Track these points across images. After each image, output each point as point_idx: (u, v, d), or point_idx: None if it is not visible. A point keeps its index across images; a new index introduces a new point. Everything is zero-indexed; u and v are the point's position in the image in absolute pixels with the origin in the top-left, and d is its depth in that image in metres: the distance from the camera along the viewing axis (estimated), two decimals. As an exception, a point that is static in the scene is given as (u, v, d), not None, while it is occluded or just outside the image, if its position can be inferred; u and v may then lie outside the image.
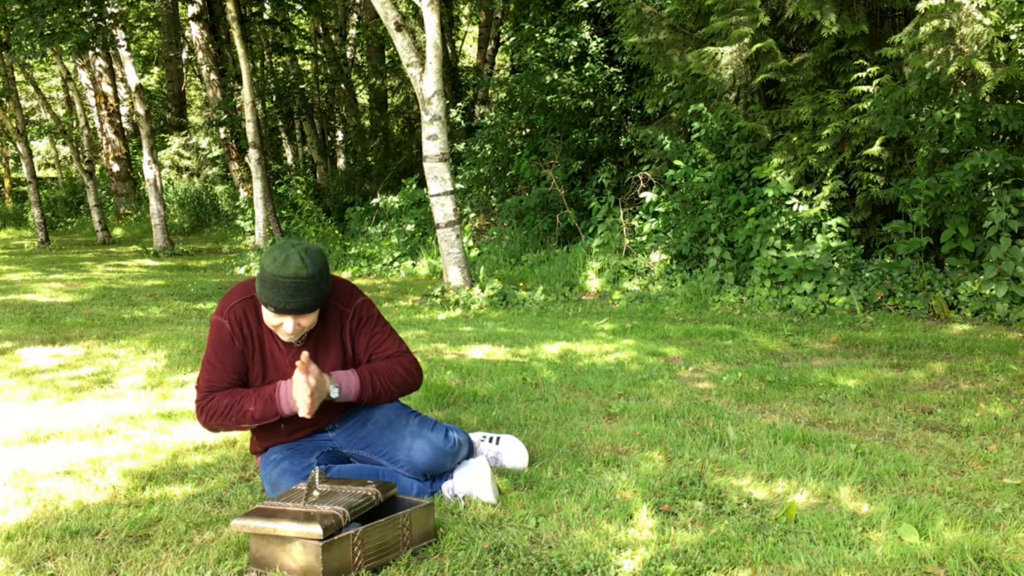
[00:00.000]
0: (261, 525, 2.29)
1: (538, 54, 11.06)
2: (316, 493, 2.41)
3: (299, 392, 2.61)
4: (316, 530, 2.21)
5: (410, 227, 11.44)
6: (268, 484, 2.75)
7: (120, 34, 13.42)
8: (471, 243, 10.62)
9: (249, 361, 2.79)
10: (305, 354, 2.58)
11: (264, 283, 2.58)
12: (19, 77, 17.86)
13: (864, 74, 7.27)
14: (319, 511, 2.30)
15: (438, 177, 7.87)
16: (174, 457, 3.28)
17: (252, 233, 13.51)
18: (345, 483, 2.51)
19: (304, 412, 2.62)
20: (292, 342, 2.76)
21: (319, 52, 19.20)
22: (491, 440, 3.12)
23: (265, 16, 16.29)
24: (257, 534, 2.31)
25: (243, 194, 15.37)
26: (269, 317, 2.65)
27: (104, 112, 17.71)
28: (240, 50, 11.97)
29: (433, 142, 7.82)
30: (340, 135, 19.32)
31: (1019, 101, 6.94)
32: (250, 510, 2.47)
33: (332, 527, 2.24)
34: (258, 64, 17.81)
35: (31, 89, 18.90)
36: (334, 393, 2.66)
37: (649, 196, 8.58)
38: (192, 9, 15.32)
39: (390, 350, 2.83)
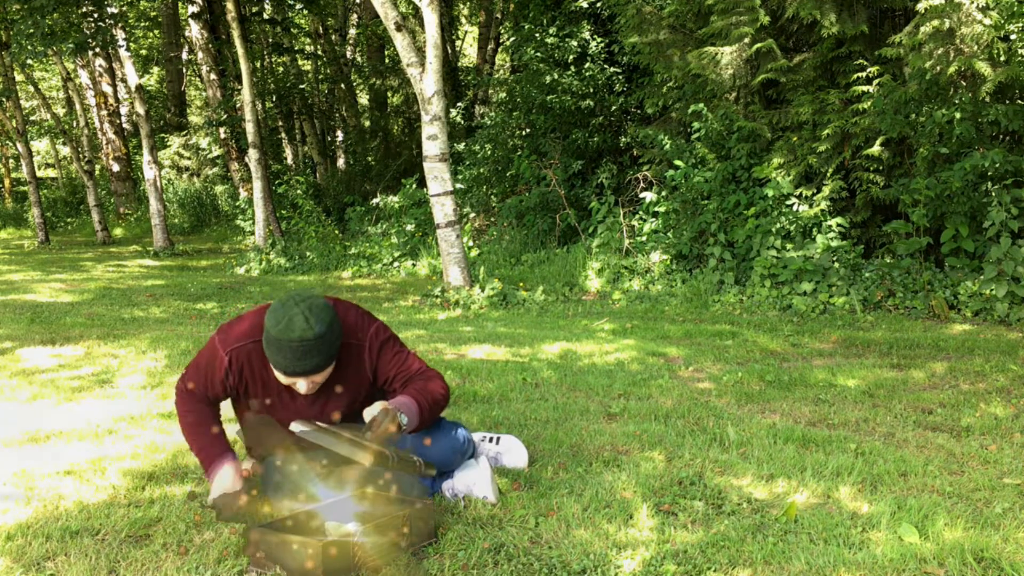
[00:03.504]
0: (319, 436, 2.35)
1: (538, 54, 11.05)
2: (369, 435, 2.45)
3: (221, 488, 2.62)
4: (366, 457, 2.29)
5: (410, 227, 11.44)
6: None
7: (120, 34, 13.42)
8: (471, 243, 10.62)
9: (249, 397, 2.73)
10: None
11: (269, 345, 2.47)
12: (19, 77, 17.86)
13: (864, 74, 7.27)
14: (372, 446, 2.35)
15: (438, 177, 7.87)
16: (174, 457, 3.28)
17: (252, 233, 13.50)
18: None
19: (213, 496, 2.63)
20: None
21: (319, 52, 19.20)
22: (491, 440, 3.12)
23: (265, 16, 16.28)
24: (257, 530, 2.31)
25: (243, 194, 15.37)
26: (280, 376, 2.56)
27: (104, 112, 17.71)
28: (240, 50, 11.97)
29: (433, 142, 7.82)
30: (340, 135, 19.31)
31: (1019, 101, 6.94)
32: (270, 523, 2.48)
33: (380, 458, 2.31)
34: (258, 64, 17.79)
35: (31, 89, 18.89)
36: (404, 420, 2.52)
37: (649, 196, 8.58)
38: (192, 8, 15.31)
39: (413, 368, 2.73)
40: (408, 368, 2.73)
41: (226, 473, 2.64)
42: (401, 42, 7.76)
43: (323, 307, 2.48)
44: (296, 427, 2.39)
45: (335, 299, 2.71)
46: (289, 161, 18.88)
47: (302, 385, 2.54)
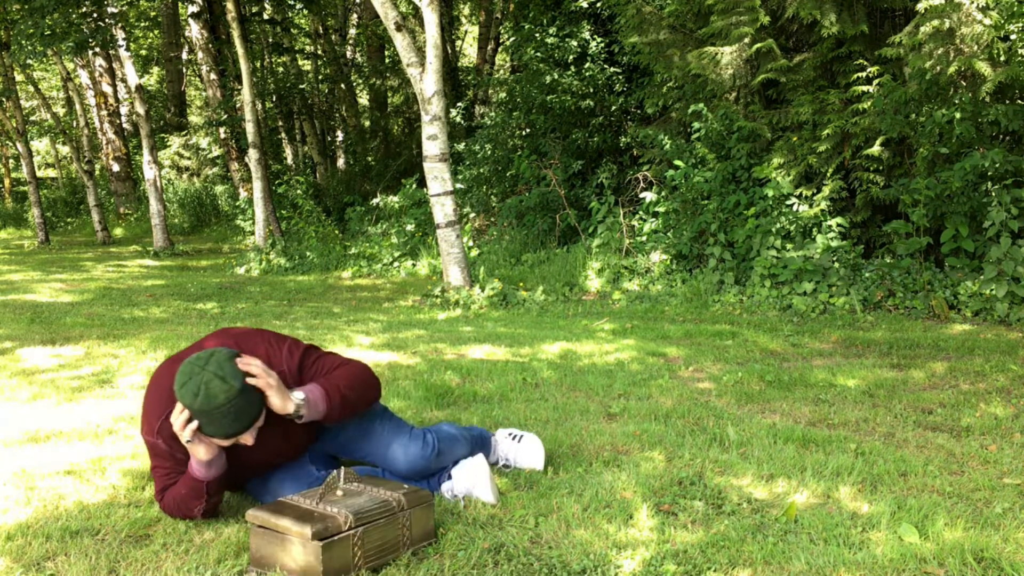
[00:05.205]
0: (265, 517, 2.30)
1: (538, 54, 11.05)
2: (339, 492, 2.41)
3: (212, 458, 2.49)
4: (307, 531, 2.22)
5: (410, 227, 11.44)
6: (270, 497, 2.70)
7: (120, 34, 13.42)
8: (471, 243, 10.62)
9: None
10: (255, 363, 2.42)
11: (199, 419, 2.37)
12: (19, 77, 17.85)
13: (864, 74, 7.27)
14: (324, 512, 2.30)
15: (438, 177, 7.87)
16: (174, 457, 3.28)
17: (252, 233, 13.50)
18: (379, 484, 2.51)
19: (201, 455, 2.46)
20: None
21: (319, 52, 19.19)
22: (513, 438, 3.12)
23: (265, 16, 16.27)
24: (257, 530, 2.32)
25: (243, 194, 15.37)
26: (221, 442, 2.46)
27: (104, 112, 17.71)
28: (240, 50, 11.97)
29: (433, 142, 7.82)
30: (340, 135, 19.31)
31: (1019, 101, 6.94)
32: (270, 503, 2.47)
33: (324, 532, 2.24)
34: (258, 64, 17.79)
35: (31, 89, 18.89)
36: (299, 396, 2.47)
37: (649, 196, 8.58)
38: (192, 8, 15.31)
39: (333, 363, 2.66)
40: (329, 367, 2.65)
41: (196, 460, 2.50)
42: (401, 42, 7.76)
43: (227, 359, 2.38)
44: (249, 513, 2.37)
45: (235, 335, 2.61)
46: (289, 161, 18.88)
47: (246, 438, 2.47)
